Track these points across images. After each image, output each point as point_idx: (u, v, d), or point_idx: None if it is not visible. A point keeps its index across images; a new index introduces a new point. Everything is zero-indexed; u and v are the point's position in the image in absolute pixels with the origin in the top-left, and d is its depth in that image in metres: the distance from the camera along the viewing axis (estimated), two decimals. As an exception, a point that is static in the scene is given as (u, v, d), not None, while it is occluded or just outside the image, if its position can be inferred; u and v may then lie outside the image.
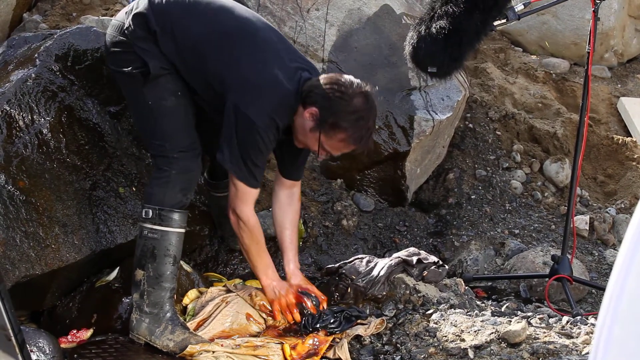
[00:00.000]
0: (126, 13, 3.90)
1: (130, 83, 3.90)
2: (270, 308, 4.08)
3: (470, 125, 6.32)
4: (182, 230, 3.92)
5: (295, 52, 4.02)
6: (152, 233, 3.83)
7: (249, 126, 3.68)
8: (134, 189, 4.31)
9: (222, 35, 3.82)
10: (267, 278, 4.06)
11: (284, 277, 4.23)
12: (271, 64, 3.78)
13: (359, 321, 4.05)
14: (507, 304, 4.46)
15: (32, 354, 3.46)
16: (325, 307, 4.15)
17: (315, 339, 3.87)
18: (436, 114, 5.55)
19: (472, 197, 5.89)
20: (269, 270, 4.07)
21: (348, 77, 3.77)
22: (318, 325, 3.98)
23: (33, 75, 4.11)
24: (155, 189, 3.88)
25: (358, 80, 3.76)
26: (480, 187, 5.97)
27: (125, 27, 3.83)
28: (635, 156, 6.47)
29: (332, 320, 4.01)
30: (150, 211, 3.84)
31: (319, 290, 4.20)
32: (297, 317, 4.05)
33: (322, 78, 3.76)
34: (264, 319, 4.05)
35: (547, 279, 4.80)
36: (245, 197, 3.87)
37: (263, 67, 3.77)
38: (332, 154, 3.87)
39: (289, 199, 4.25)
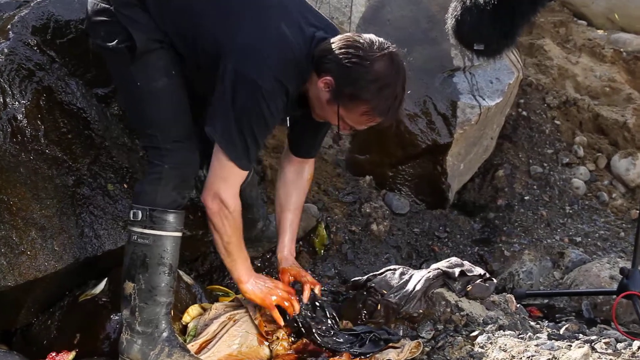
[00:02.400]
0: None
1: (116, 60, 3.85)
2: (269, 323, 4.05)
3: (524, 113, 6.29)
4: (179, 234, 3.87)
5: (308, 7, 3.94)
6: (143, 238, 3.78)
7: (252, 91, 3.59)
8: (125, 185, 4.30)
9: None
10: (247, 276, 3.96)
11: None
12: (277, 20, 3.70)
13: (390, 345, 4.02)
14: (566, 326, 4.43)
15: (2, 380, 3.46)
16: (319, 292, 4.16)
17: (338, 363, 3.85)
18: (483, 99, 5.53)
19: (526, 198, 5.87)
20: (247, 264, 3.98)
21: (367, 37, 3.65)
22: (330, 346, 3.98)
23: (5, 50, 4.09)
24: (145, 187, 3.83)
25: (380, 40, 3.66)
26: (535, 187, 5.95)
27: None
28: None
29: (351, 342, 4.00)
30: (140, 212, 3.78)
31: (344, 305, 4.19)
32: (296, 307, 4.04)
33: (337, 40, 3.66)
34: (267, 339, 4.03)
35: (614, 296, 4.75)
36: (234, 179, 3.78)
37: (267, 24, 3.69)
38: (356, 128, 3.80)
39: (295, 177, 4.25)
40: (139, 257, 3.79)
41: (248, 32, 3.67)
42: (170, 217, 3.80)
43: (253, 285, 3.97)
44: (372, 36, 3.67)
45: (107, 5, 3.77)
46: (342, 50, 3.60)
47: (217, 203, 3.76)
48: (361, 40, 3.61)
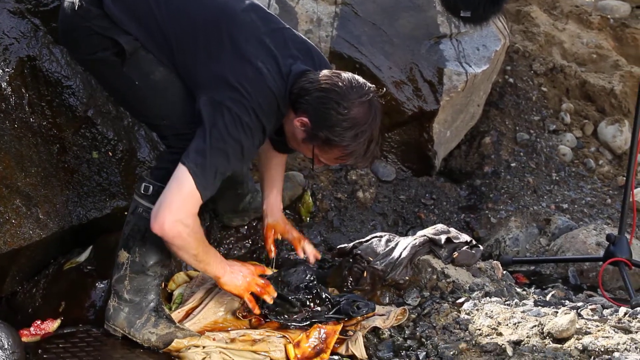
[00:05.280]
0: None
1: (104, 69, 3.77)
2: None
3: (511, 80, 6.28)
4: None
5: (285, 34, 3.84)
6: (148, 213, 3.66)
7: (232, 120, 3.53)
8: (110, 153, 4.27)
9: (193, 23, 3.67)
10: (223, 270, 3.84)
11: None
12: (253, 55, 3.62)
13: (376, 312, 4.02)
14: (552, 292, 4.44)
15: (-13, 348, 3.44)
16: (316, 260, 4.24)
17: (322, 330, 3.82)
18: (470, 66, 5.51)
19: (512, 165, 5.86)
20: (218, 258, 3.84)
21: (347, 79, 3.60)
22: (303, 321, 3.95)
23: (-12, 18, 4.07)
24: (170, 166, 3.66)
25: (360, 82, 3.61)
26: (521, 154, 5.94)
27: (77, 7, 3.66)
28: None
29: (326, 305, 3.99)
30: (151, 187, 3.71)
31: (329, 272, 4.19)
32: (272, 293, 3.95)
33: (316, 80, 3.60)
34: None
35: (601, 262, 4.75)
36: (192, 206, 3.60)
37: (242, 60, 3.61)
38: (331, 165, 3.77)
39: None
40: (140, 230, 3.75)
41: (223, 67, 3.61)
42: None
43: (230, 278, 3.85)
44: (352, 77, 3.62)
45: (79, 21, 3.67)
46: (321, 93, 3.56)
47: (179, 227, 3.58)
48: (340, 84, 3.56)
